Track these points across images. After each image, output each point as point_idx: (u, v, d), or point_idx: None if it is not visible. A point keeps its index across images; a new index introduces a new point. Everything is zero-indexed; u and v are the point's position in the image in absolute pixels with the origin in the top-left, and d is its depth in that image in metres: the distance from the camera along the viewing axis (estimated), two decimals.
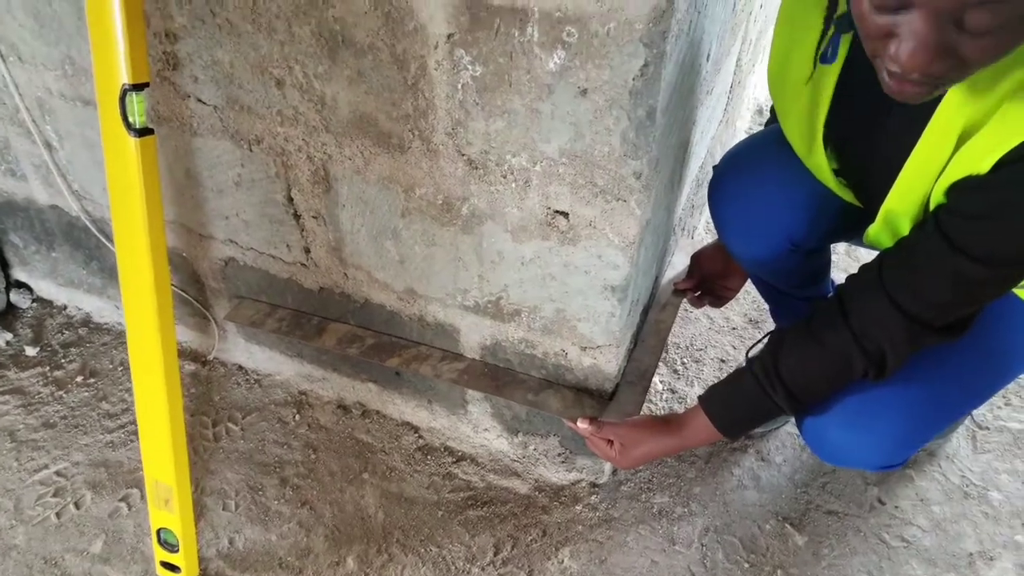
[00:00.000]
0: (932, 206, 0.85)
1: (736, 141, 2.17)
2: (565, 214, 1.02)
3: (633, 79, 0.84)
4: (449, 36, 0.90)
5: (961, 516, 1.34)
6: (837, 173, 1.04)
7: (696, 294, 1.39)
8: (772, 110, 1.21)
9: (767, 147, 1.13)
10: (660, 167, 1.02)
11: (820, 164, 1.02)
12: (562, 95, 0.89)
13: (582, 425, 1.14)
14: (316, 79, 1.03)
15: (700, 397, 1.07)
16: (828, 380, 0.98)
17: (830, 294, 1.37)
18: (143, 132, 1.00)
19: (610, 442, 1.12)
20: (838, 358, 0.94)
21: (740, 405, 1.04)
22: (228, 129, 1.16)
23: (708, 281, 1.38)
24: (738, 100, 1.93)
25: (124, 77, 0.95)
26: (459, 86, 0.94)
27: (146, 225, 1.03)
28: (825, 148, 1.00)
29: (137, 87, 0.97)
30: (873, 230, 0.97)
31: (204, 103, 1.15)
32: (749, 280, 1.37)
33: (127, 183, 1.01)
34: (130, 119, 0.98)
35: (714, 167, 1.21)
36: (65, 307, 1.72)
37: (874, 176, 0.95)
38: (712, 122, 1.53)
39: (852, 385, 0.99)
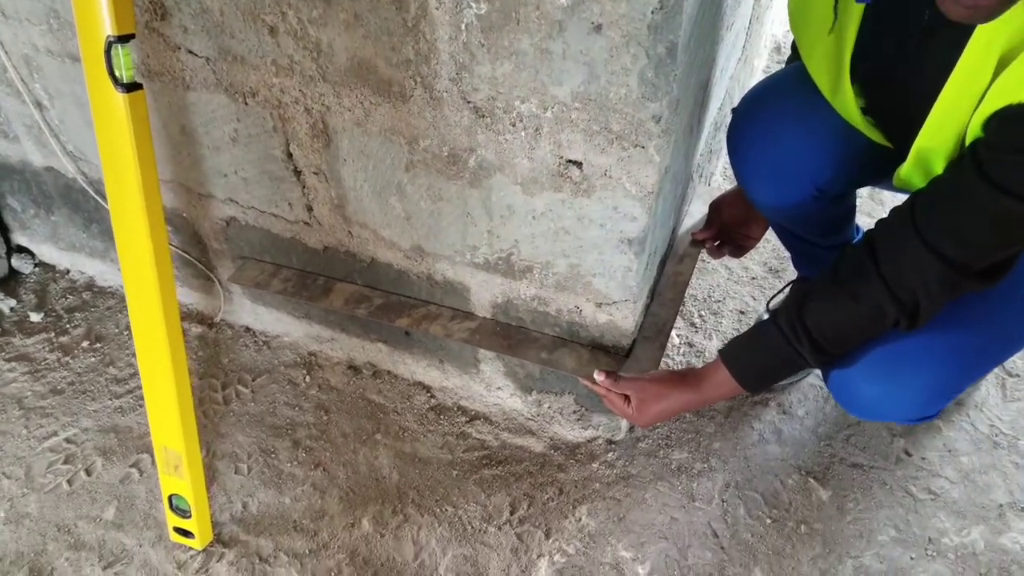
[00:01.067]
0: (968, 141, 0.79)
1: (754, 81, 2.09)
2: (579, 163, 0.96)
3: (652, 12, 0.78)
4: None
5: (990, 467, 1.30)
6: (865, 111, 0.97)
7: (715, 244, 1.34)
8: (793, 47, 1.14)
9: (789, 87, 1.06)
10: (680, 109, 0.95)
11: (847, 102, 0.95)
12: (574, 32, 0.83)
13: (599, 378, 1.10)
14: (311, 24, 0.97)
15: (720, 351, 1.03)
16: (858, 331, 0.93)
17: (855, 240, 1.31)
18: (131, 87, 0.94)
19: (627, 399, 1.08)
20: (868, 308, 0.89)
21: (763, 358, 1.00)
22: (222, 82, 1.11)
23: (727, 230, 1.32)
24: (756, 37, 1.84)
25: (108, 28, 0.90)
26: (462, 26, 0.88)
27: (140, 185, 0.98)
28: (852, 84, 0.93)
29: (123, 39, 0.91)
30: (904, 170, 0.91)
31: (196, 55, 1.09)
32: (770, 228, 1.31)
33: (117, 142, 0.96)
34: (117, 74, 0.92)
35: (733, 109, 1.14)
36: (68, 271, 1.69)
37: (905, 112, 0.89)
38: (731, 60, 1.45)
39: (882, 335, 0.94)
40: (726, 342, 1.47)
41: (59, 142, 1.37)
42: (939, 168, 0.85)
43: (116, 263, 1.61)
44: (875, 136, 1.00)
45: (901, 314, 0.88)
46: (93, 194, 1.43)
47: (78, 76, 1.23)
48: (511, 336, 1.21)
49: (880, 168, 1.04)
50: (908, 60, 0.87)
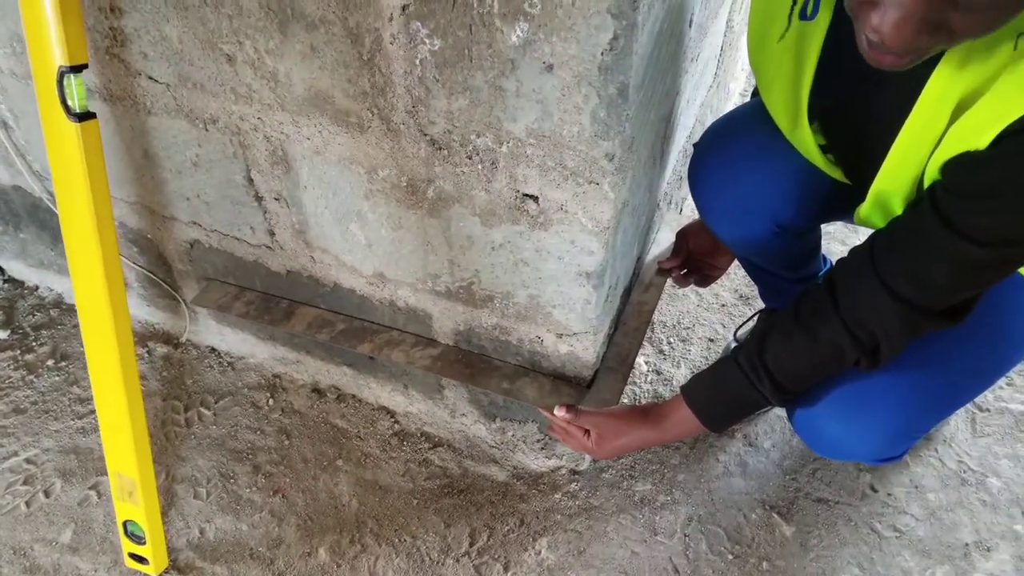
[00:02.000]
0: (927, 183, 0.78)
1: (730, 105, 2.09)
2: (535, 197, 0.96)
3: (602, 53, 0.77)
4: (404, 7, 0.83)
5: (957, 504, 1.29)
6: (824, 149, 0.97)
7: (682, 272, 1.33)
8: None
9: (749, 122, 1.06)
10: (636, 146, 0.95)
11: (805, 139, 0.95)
12: (527, 71, 0.82)
13: (559, 413, 1.09)
14: (268, 55, 0.96)
15: (682, 388, 1.02)
16: (817, 370, 0.92)
17: (823, 272, 1.30)
18: (84, 116, 0.93)
19: (587, 432, 1.07)
20: (828, 347, 0.88)
21: (724, 397, 0.99)
22: (182, 108, 1.10)
23: (694, 259, 1.31)
24: (731, 62, 1.84)
25: (60, 59, 0.89)
26: (417, 61, 0.87)
27: (92, 213, 0.97)
28: (811, 123, 0.93)
29: (75, 68, 0.90)
30: (864, 210, 0.90)
31: (156, 81, 1.08)
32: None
33: (70, 170, 0.95)
34: (69, 103, 0.92)
35: (694, 144, 1.14)
36: (36, 288, 1.68)
37: (863, 152, 0.89)
38: (700, 88, 1.45)
39: (842, 373, 0.93)
40: (690, 376, 1.47)
41: (25, 162, 1.36)
42: (898, 209, 0.85)
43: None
44: (835, 174, 1.00)
45: (861, 354, 0.87)
46: (59, 213, 1.42)
47: None
48: (473, 364, 1.20)
49: (842, 204, 1.04)
50: (866, 101, 0.87)
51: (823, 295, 0.88)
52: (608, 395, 1.14)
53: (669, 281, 1.35)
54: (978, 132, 0.70)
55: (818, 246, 1.25)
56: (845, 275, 0.87)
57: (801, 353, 0.91)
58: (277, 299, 1.31)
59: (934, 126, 0.74)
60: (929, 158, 0.76)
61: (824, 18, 0.83)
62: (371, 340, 1.24)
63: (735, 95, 2.11)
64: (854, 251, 0.88)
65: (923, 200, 0.79)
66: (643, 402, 1.26)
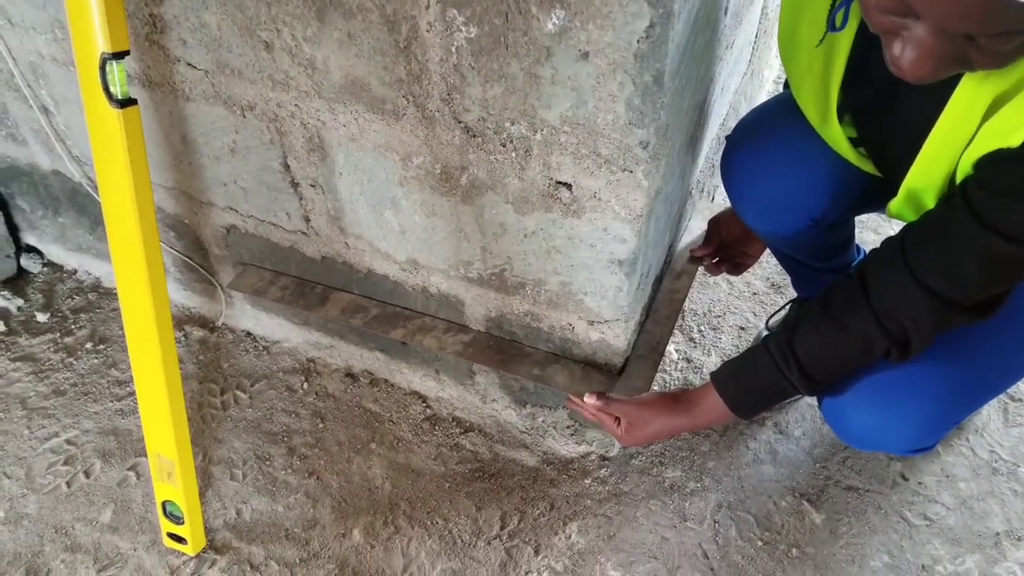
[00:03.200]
0: (959, 179, 0.78)
1: (764, 93, 2.07)
2: (568, 185, 0.96)
3: (638, 41, 0.77)
4: None
5: (988, 493, 1.29)
6: (855, 143, 0.96)
7: (714, 261, 1.33)
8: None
9: (781, 115, 1.05)
10: (671, 134, 0.95)
11: (835, 135, 0.94)
12: (562, 58, 0.82)
13: (589, 401, 1.10)
14: (305, 42, 0.97)
15: (712, 375, 1.02)
16: (847, 360, 0.92)
17: (856, 261, 1.29)
18: (126, 103, 0.95)
19: (617, 419, 1.08)
20: (858, 338, 0.88)
21: (754, 385, 0.99)
22: (220, 94, 1.11)
23: (726, 247, 1.31)
24: (765, 49, 1.82)
25: (102, 45, 0.91)
26: (453, 49, 0.88)
27: (134, 198, 0.99)
28: (841, 119, 0.92)
29: (117, 55, 0.92)
30: (895, 205, 0.90)
31: (195, 67, 1.10)
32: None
33: (112, 155, 0.97)
34: (111, 89, 0.93)
35: (726, 137, 1.13)
36: (75, 271, 1.71)
37: (894, 148, 0.88)
38: (734, 76, 1.44)
39: (872, 364, 0.93)
40: (721, 363, 1.47)
41: (65, 147, 1.39)
42: (930, 204, 0.84)
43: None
44: (866, 167, 0.99)
45: (892, 345, 0.87)
46: (98, 199, 1.45)
47: None
48: (504, 351, 1.21)
49: (875, 196, 1.03)
50: (896, 99, 0.86)
51: (854, 286, 0.88)
52: (639, 383, 1.15)
53: (700, 269, 1.35)
54: (1011, 131, 0.70)
55: (851, 237, 1.24)
56: (876, 267, 0.87)
57: (830, 343, 0.91)
58: (312, 284, 1.33)
59: (967, 124, 0.74)
60: (961, 155, 0.76)
61: (853, 23, 0.82)
62: (403, 326, 1.26)
63: (769, 82, 2.09)
64: (886, 243, 0.87)
65: (955, 195, 0.78)
66: (672, 389, 1.26)
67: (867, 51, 0.84)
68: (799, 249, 1.18)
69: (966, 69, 0.64)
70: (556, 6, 0.78)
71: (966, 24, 0.57)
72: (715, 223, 1.31)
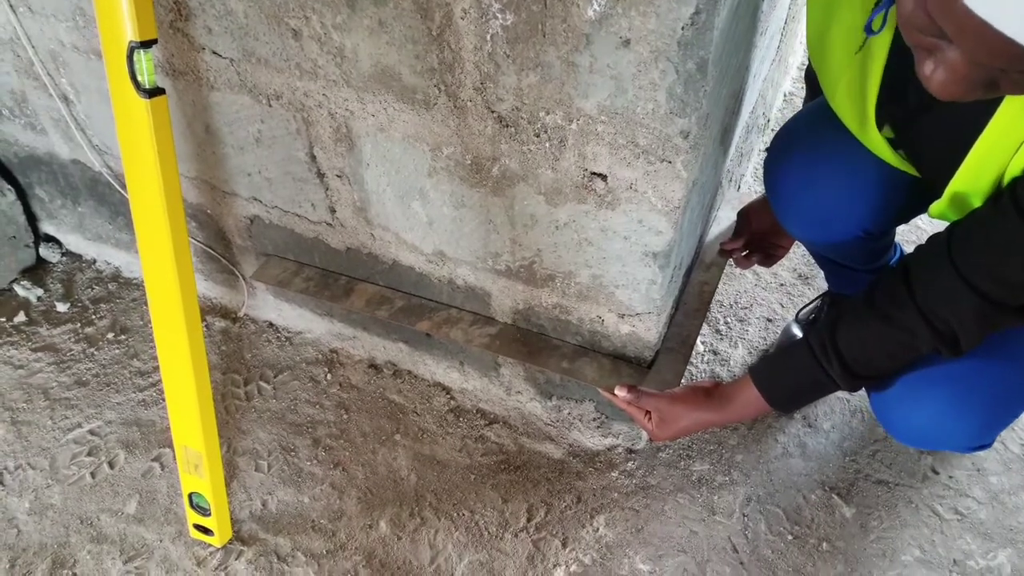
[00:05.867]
0: (1007, 179, 0.76)
1: (788, 79, 2.04)
2: (603, 176, 0.94)
3: (682, 28, 0.75)
4: None
5: (1020, 487, 1.27)
6: (895, 145, 0.94)
7: (743, 254, 1.31)
8: (808, 72, 1.13)
9: (823, 124, 1.01)
10: (710, 123, 0.93)
11: (875, 140, 0.93)
12: (602, 46, 0.80)
13: (620, 394, 1.08)
14: (335, 30, 0.95)
15: (750, 369, 1.01)
16: (891, 356, 0.90)
17: (894, 260, 1.27)
18: (153, 92, 0.94)
19: (648, 413, 1.07)
20: (903, 334, 0.87)
21: (792, 378, 0.97)
22: (246, 83, 1.10)
23: (757, 239, 1.29)
24: (791, 35, 1.79)
25: (130, 34, 0.89)
26: (488, 37, 0.86)
27: (161, 188, 0.98)
28: (880, 126, 0.90)
29: (145, 44, 0.90)
30: (937, 208, 0.88)
31: (220, 56, 1.08)
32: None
33: (139, 145, 0.96)
34: (139, 79, 0.92)
35: (767, 149, 1.11)
36: (94, 261, 1.71)
37: (937, 151, 0.86)
38: (765, 63, 1.41)
39: (928, 360, 0.91)
40: (747, 356, 1.45)
41: (85, 136, 1.37)
42: (976, 204, 0.82)
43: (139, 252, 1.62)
44: (908, 169, 0.97)
45: (939, 343, 0.85)
46: (119, 188, 1.44)
47: (104, 73, 1.22)
48: (531, 343, 1.20)
49: (920, 199, 1.01)
50: (937, 108, 0.84)
51: (898, 282, 0.86)
52: (669, 376, 1.13)
53: (730, 261, 1.33)
54: None
55: (893, 239, 1.22)
56: (921, 264, 0.85)
57: (874, 339, 0.89)
58: (336, 276, 1.32)
59: (1016, 130, 0.72)
60: (1012, 158, 0.74)
61: (890, 26, 0.80)
62: (429, 318, 1.24)
63: (793, 68, 2.06)
64: (932, 240, 0.85)
65: (1003, 195, 0.76)
66: (700, 380, 1.25)
67: (905, 55, 0.82)
68: (842, 255, 1.16)
69: (996, 94, 0.63)
70: None
71: (998, 62, 0.57)
72: (745, 214, 1.29)
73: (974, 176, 0.78)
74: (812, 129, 1.07)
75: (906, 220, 1.14)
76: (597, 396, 1.28)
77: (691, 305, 1.23)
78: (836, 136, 0.98)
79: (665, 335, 1.18)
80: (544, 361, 1.17)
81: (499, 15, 0.83)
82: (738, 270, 1.61)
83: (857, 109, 0.91)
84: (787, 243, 1.28)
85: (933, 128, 0.86)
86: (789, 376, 0.98)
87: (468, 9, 0.84)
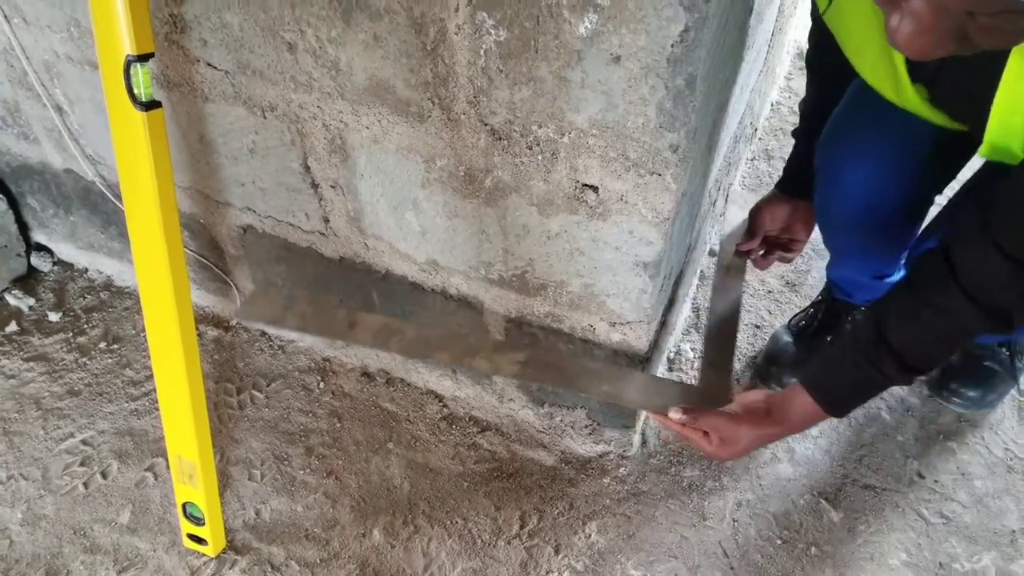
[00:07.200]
0: None
1: (776, 89, 2.07)
2: (595, 188, 0.96)
3: (672, 45, 0.77)
4: None
5: (1004, 491, 1.29)
6: (932, 102, 0.92)
7: (760, 253, 1.30)
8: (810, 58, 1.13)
9: (866, 99, 1.02)
10: (698, 136, 0.94)
11: (912, 100, 0.91)
12: (593, 62, 0.82)
13: (675, 417, 1.03)
14: (329, 43, 0.96)
15: (800, 380, 1.01)
16: (945, 343, 0.91)
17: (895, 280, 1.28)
18: (150, 105, 0.95)
19: (705, 433, 1.03)
20: (952, 318, 0.87)
21: (848, 383, 0.97)
22: (240, 95, 1.11)
23: (773, 236, 1.28)
24: (778, 46, 1.81)
25: (127, 47, 0.90)
26: (482, 52, 0.87)
27: (157, 201, 0.99)
28: (913, 83, 0.89)
29: (142, 58, 0.91)
30: (983, 151, 0.86)
31: (215, 68, 1.09)
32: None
33: (135, 158, 0.97)
34: (136, 91, 0.93)
35: (819, 143, 1.14)
36: (86, 270, 1.71)
37: (968, 106, 0.85)
38: (752, 74, 1.43)
39: (967, 343, 0.93)
40: (744, 363, 1.46)
41: (78, 146, 1.38)
42: (1018, 151, 0.79)
43: (134, 264, 1.62)
44: (951, 124, 0.96)
45: (992, 323, 0.85)
46: (111, 197, 1.44)
47: (98, 83, 1.22)
48: (564, 368, 1.13)
49: (971, 149, 1.02)
50: (957, 59, 0.83)
51: (938, 264, 0.87)
52: (717, 392, 1.10)
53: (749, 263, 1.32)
54: None
55: (923, 221, 1.21)
56: (963, 246, 0.86)
57: (922, 327, 0.89)
58: (331, 303, 1.31)
59: None
60: None
61: None
62: (448, 348, 1.17)
63: (780, 78, 2.09)
64: (965, 219, 0.85)
65: None
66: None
67: None
68: (880, 235, 1.16)
69: (968, 49, 0.61)
70: (589, 10, 0.78)
71: (963, 2, 0.55)
72: (757, 211, 1.28)
73: (1004, 128, 0.77)
74: (855, 108, 1.07)
75: (954, 176, 1.14)
76: (589, 403, 1.29)
77: (723, 317, 1.21)
78: (878, 107, 0.98)
79: (706, 352, 1.17)
80: (584, 386, 1.11)
81: (492, 31, 0.85)
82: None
83: (889, 73, 0.90)
84: (804, 236, 1.27)
85: (958, 82, 0.85)
86: (843, 381, 0.97)
87: (462, 25, 0.86)
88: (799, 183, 1.23)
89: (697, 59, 0.78)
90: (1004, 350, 1.38)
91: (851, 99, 1.10)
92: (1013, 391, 1.41)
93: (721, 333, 1.20)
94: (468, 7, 0.84)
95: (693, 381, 1.46)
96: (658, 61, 0.79)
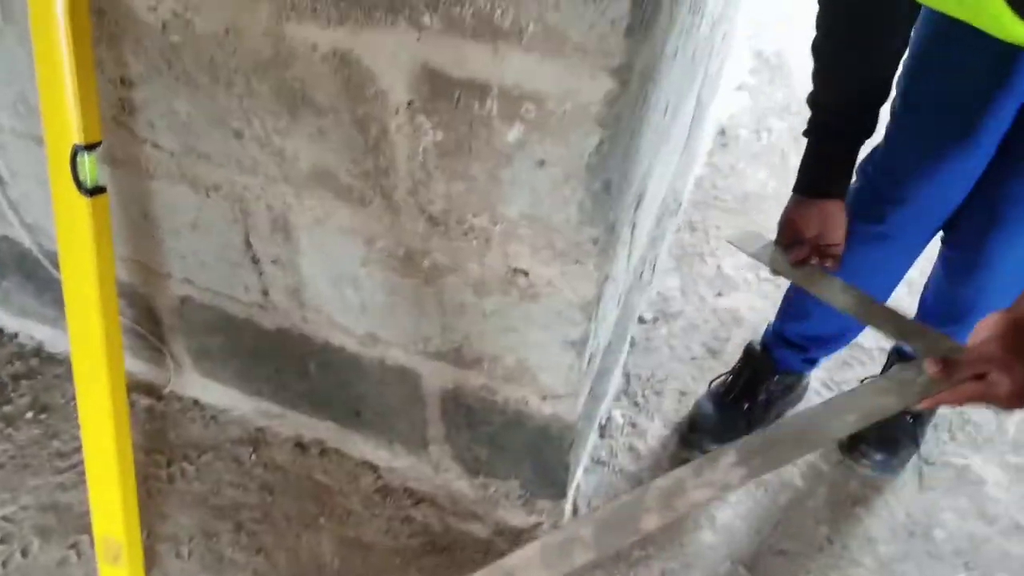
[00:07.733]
0: None
1: (698, 164, 2.20)
2: (525, 272, 1.02)
3: (589, 155, 0.85)
4: (410, 103, 0.90)
5: (906, 555, 1.38)
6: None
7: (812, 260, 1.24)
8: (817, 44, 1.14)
9: (946, 46, 1.08)
10: (617, 228, 1.03)
11: (1018, 32, 0.81)
12: (521, 165, 0.90)
13: (932, 369, 0.87)
14: (276, 134, 1.02)
15: None
16: None
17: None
18: (95, 191, 0.97)
19: (979, 377, 0.85)
20: None
21: None
22: (186, 175, 1.15)
23: (812, 243, 1.21)
24: (697, 130, 1.95)
25: (76, 136, 0.93)
26: (420, 149, 0.94)
27: (97, 281, 1.01)
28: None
29: (90, 147, 0.95)
30: None
31: (161, 148, 1.13)
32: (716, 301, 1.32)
33: (78, 242, 0.99)
34: (81, 178, 0.96)
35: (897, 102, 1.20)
36: (16, 335, 1.67)
37: None
38: (672, 161, 1.54)
39: None
40: (669, 429, 1.52)
41: (18, 215, 1.38)
42: None
43: (67, 330, 1.60)
44: None
45: None
46: (48, 265, 1.44)
47: (42, 158, 1.23)
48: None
49: None
50: None
51: None
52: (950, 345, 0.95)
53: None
54: None
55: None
56: None
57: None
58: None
59: None
60: None
61: None
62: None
63: (701, 155, 2.22)
64: None
65: None
66: (618, 455, 1.25)
67: None
68: (947, 186, 1.21)
69: None
70: (516, 121, 0.86)
71: None
72: (790, 222, 1.21)
73: None
74: (939, 52, 1.12)
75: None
76: (523, 473, 1.33)
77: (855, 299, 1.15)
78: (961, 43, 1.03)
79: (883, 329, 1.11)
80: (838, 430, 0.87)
81: (430, 132, 0.92)
82: (653, 343, 1.70)
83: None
84: (840, 238, 1.22)
85: None
86: None
87: (402, 125, 0.92)
88: (818, 181, 1.20)
89: (612, 166, 0.87)
90: (908, 418, 1.49)
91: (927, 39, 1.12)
92: (914, 457, 1.52)
93: (874, 309, 1.12)
94: (408, 110, 0.91)
95: (624, 448, 1.52)
96: (578, 167, 0.87)
